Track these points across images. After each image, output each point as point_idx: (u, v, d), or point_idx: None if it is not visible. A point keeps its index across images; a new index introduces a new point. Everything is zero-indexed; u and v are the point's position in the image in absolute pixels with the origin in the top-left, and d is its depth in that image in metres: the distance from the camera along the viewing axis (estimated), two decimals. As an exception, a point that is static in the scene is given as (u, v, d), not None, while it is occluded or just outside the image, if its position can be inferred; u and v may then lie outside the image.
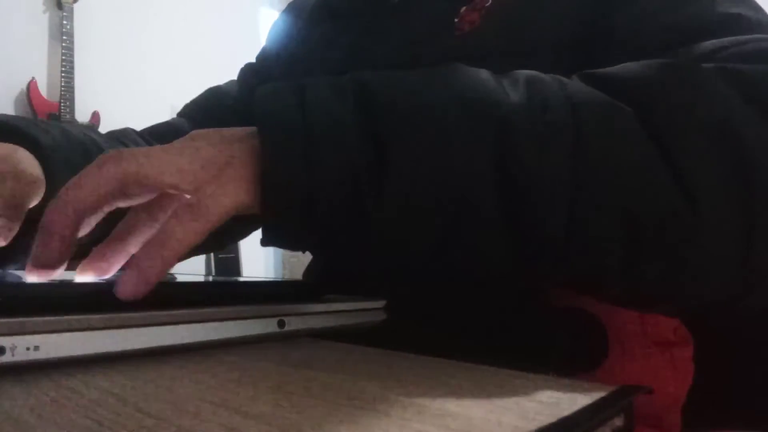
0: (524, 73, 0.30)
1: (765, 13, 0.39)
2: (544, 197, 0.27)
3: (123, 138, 0.60)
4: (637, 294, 0.31)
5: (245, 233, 0.68)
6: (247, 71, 0.71)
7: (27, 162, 0.42)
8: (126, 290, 0.26)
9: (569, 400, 0.18)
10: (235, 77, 0.73)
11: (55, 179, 0.44)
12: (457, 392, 0.20)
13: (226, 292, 0.34)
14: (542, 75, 0.30)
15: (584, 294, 0.33)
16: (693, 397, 0.44)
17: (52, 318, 0.23)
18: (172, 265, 0.26)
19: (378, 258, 0.30)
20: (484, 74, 0.30)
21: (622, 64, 0.32)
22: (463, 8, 0.48)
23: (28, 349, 0.22)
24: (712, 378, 0.46)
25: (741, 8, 0.38)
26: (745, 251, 0.28)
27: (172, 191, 0.28)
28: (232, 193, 0.27)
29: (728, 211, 0.27)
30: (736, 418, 0.48)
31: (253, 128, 0.29)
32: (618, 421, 0.18)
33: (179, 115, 0.72)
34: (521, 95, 0.28)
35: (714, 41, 0.35)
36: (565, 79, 0.30)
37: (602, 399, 0.18)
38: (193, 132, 0.30)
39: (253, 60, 0.73)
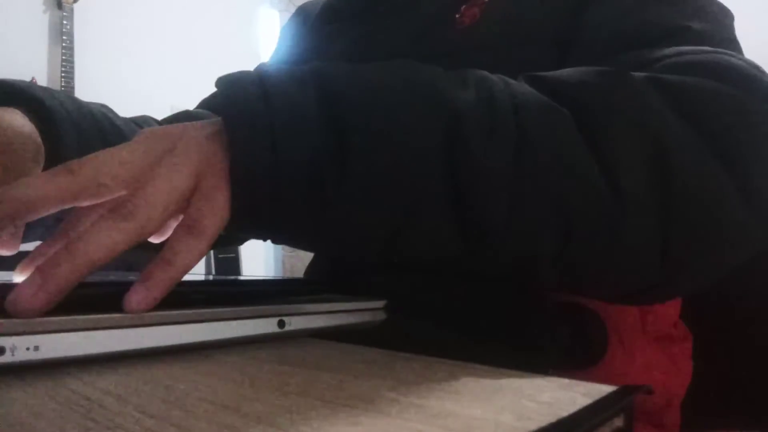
0: (474, 72, 0.33)
1: (721, 25, 0.41)
2: (487, 186, 0.29)
3: (142, 123, 0.60)
4: (569, 279, 0.33)
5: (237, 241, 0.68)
6: None
7: (15, 125, 0.41)
8: (133, 305, 0.26)
9: (569, 400, 0.18)
10: None
11: (61, 143, 0.44)
12: (457, 392, 0.20)
13: (226, 292, 0.34)
14: (490, 75, 0.33)
15: (522, 281, 0.35)
16: (692, 394, 0.44)
17: (52, 318, 0.23)
18: (178, 280, 0.27)
19: (336, 243, 0.31)
20: (437, 71, 0.32)
21: (563, 69, 0.35)
22: (464, 5, 0.49)
23: (28, 349, 0.22)
24: (711, 375, 0.46)
25: (692, 21, 0.40)
26: (664, 243, 0.31)
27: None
28: (221, 209, 0.28)
29: (649, 203, 0.30)
30: (735, 416, 0.48)
31: (217, 131, 0.30)
32: (618, 421, 0.18)
33: (199, 106, 0.72)
34: (470, 92, 0.31)
35: (659, 50, 0.38)
36: (510, 80, 0.33)
37: (602, 399, 0.18)
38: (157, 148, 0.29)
39: (253, 61, 0.73)
